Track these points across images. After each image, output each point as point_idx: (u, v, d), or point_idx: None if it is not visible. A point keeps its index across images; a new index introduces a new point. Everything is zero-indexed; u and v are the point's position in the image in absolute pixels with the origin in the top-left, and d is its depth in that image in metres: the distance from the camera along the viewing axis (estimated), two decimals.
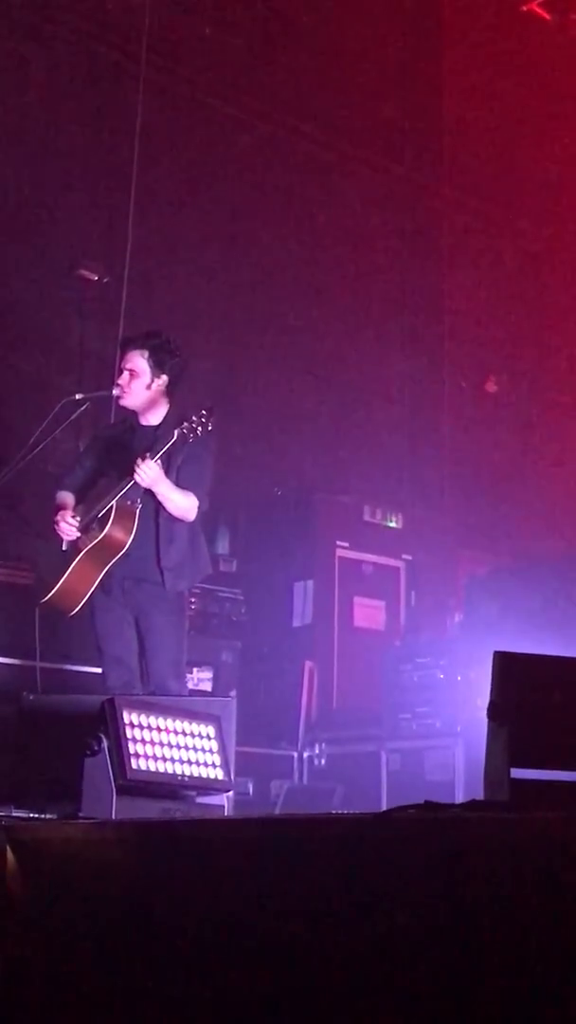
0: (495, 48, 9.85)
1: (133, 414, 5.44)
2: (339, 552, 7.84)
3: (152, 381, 5.30)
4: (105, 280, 7.73)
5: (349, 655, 7.60)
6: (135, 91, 7.94)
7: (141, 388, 5.30)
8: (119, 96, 8.11)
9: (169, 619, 5.26)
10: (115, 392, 5.38)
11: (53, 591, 5.18)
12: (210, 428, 5.01)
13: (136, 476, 4.99)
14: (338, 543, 7.84)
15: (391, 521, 8.13)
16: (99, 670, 5.39)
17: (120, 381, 5.33)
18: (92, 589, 5.17)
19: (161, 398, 5.35)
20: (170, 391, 5.37)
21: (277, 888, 2.38)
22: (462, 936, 2.08)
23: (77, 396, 5.57)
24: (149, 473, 4.97)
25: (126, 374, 5.31)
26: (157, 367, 5.29)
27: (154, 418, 5.37)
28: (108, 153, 8.08)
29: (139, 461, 4.99)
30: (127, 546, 5.12)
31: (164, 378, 5.31)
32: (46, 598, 5.21)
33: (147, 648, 5.24)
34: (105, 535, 5.09)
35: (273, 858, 2.42)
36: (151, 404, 5.35)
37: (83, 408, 5.59)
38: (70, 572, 5.15)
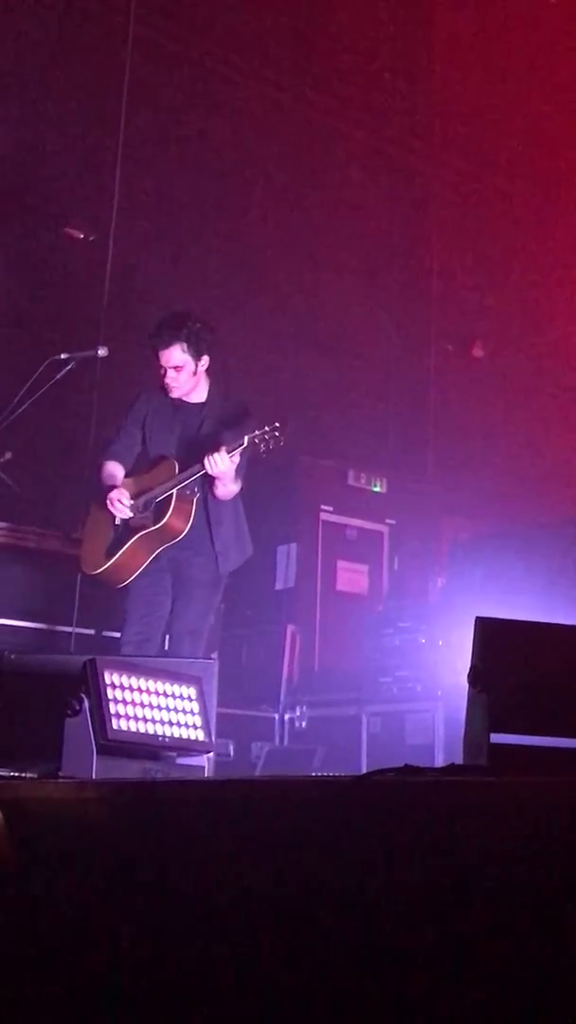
0: (485, 9, 9.78)
1: None
2: (323, 516, 7.85)
3: (196, 366, 5.43)
4: (91, 239, 7.68)
5: (331, 619, 7.62)
6: (123, 48, 7.87)
7: (188, 377, 5.43)
8: (107, 53, 8.02)
9: (204, 591, 5.42)
10: (172, 395, 5.44)
11: (106, 566, 5.34)
12: (282, 443, 5.15)
13: (207, 465, 5.13)
14: (322, 507, 7.85)
15: (375, 485, 8.13)
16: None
17: (167, 380, 5.41)
18: (143, 567, 5.32)
19: (203, 375, 5.49)
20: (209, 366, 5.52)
21: (256, 850, 2.39)
22: (440, 899, 2.09)
23: (62, 355, 5.58)
24: (221, 466, 5.13)
25: (171, 372, 5.39)
26: (197, 353, 5.41)
27: (196, 395, 5.50)
28: (95, 111, 8.01)
29: (211, 454, 5.12)
30: (184, 533, 5.29)
31: (205, 358, 5.45)
32: (99, 571, 5.37)
33: (174, 610, 5.41)
34: (165, 524, 5.25)
35: (253, 820, 2.43)
36: (195, 384, 5.48)
37: (68, 368, 5.59)
38: (124, 551, 5.31)
